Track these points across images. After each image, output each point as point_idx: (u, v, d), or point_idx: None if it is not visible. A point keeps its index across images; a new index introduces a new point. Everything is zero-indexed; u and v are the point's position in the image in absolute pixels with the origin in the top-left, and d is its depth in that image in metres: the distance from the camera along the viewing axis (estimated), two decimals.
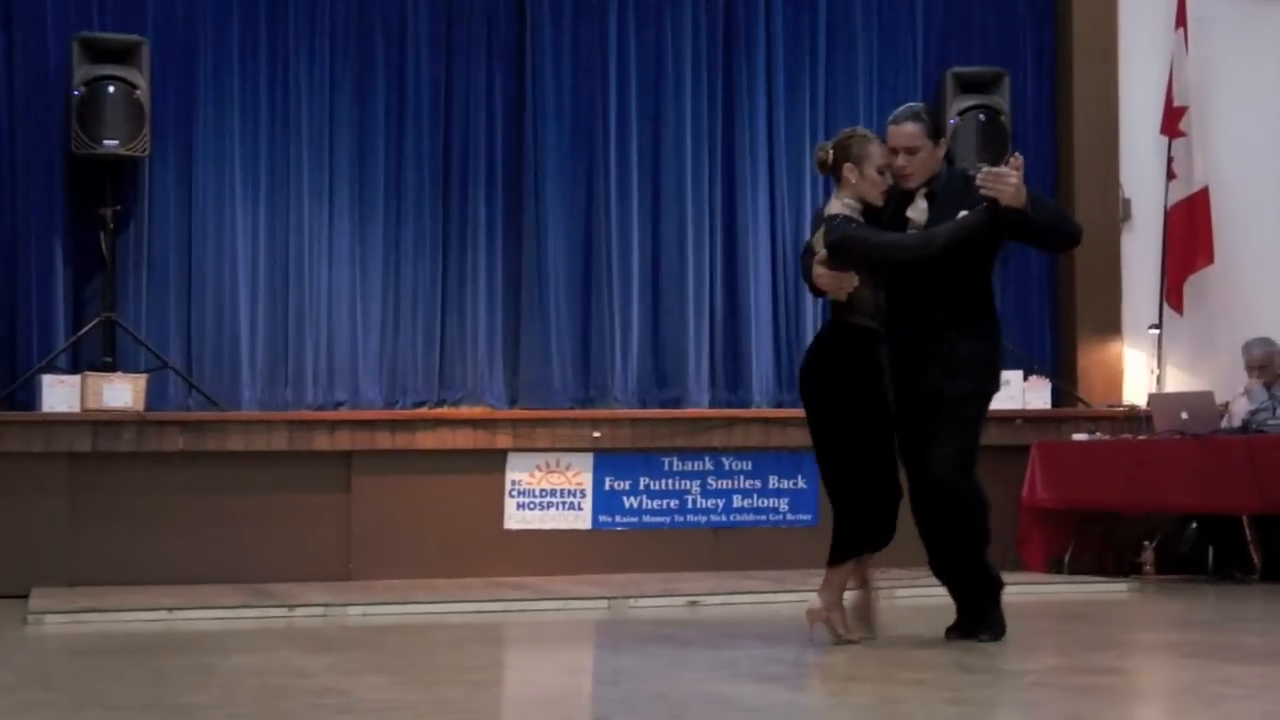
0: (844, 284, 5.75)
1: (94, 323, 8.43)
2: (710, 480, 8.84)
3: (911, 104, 6.15)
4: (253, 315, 8.85)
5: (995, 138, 9.41)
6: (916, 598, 7.75)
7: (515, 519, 8.60)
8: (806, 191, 9.57)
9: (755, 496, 8.87)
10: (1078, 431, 8.97)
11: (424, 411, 8.83)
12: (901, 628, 6.46)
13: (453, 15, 9.19)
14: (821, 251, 5.78)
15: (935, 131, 5.97)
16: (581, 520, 8.66)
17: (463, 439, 8.55)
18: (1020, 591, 7.97)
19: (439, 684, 5.13)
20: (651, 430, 8.80)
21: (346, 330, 8.98)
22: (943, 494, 5.81)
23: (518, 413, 8.88)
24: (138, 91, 8.32)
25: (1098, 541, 8.70)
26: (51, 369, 8.25)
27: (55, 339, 8.49)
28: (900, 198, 5.88)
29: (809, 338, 9.49)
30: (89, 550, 7.89)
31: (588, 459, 8.69)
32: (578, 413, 8.89)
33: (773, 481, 8.88)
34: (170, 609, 7.01)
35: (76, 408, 8.00)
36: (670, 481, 8.82)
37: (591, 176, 9.33)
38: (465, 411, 8.85)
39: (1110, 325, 9.63)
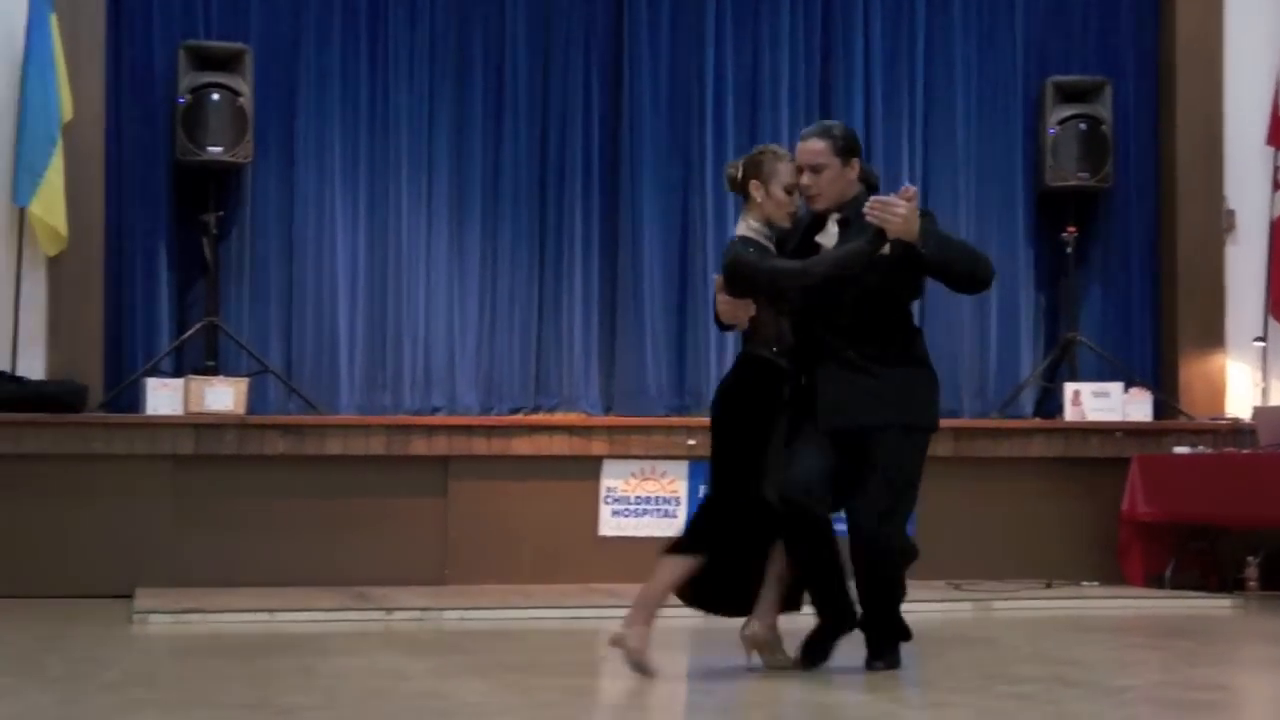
0: (739, 311, 5.49)
1: (197, 327, 8.58)
2: None
3: (826, 121, 5.85)
4: (351, 319, 8.97)
5: (1096, 148, 9.36)
6: (1013, 610, 7.73)
7: (609, 526, 8.65)
8: None
9: None
10: (1179, 444, 8.89)
11: (520, 418, 8.91)
12: (1000, 639, 6.44)
13: (551, 21, 9.26)
14: (718, 276, 5.57)
15: (846, 150, 5.56)
16: (675, 528, 8.67)
17: (558, 445, 8.62)
18: (1121, 606, 7.95)
19: (537, 689, 5.19)
20: None
21: (444, 335, 9.08)
22: (865, 546, 5.54)
23: (613, 419, 8.93)
24: (241, 99, 8.46)
25: (1200, 556, 8.61)
26: (155, 372, 8.40)
27: (159, 343, 8.66)
28: (813, 223, 5.57)
29: None
30: (191, 551, 8.03)
31: (682, 467, 8.72)
32: (673, 420, 8.92)
33: None
34: (271, 611, 7.12)
35: (180, 411, 8.14)
36: None
37: (688, 181, 9.37)
38: (561, 418, 8.92)
39: (1213, 337, 9.54)
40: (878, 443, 5.47)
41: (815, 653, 5.61)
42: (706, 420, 8.77)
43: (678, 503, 8.70)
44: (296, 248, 8.93)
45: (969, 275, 5.54)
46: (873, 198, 5.39)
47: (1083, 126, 9.36)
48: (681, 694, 5.32)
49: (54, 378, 8.19)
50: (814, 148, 5.52)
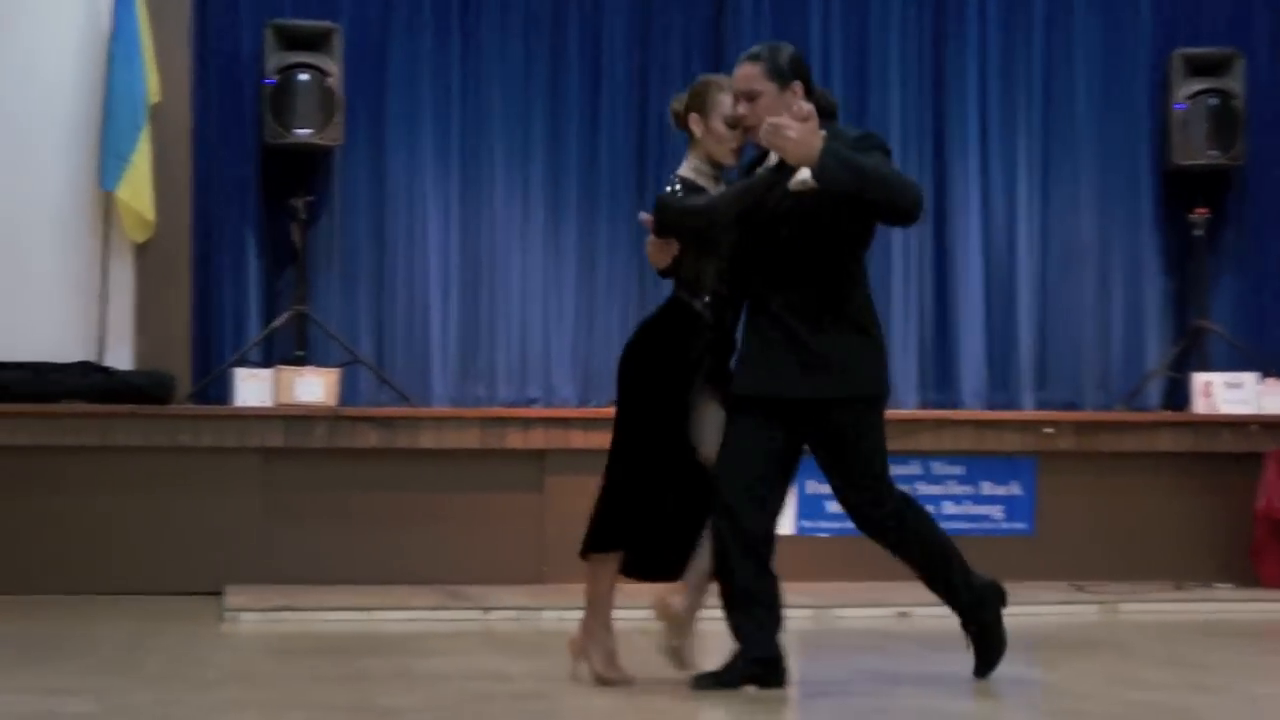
0: (659, 253, 5.28)
1: (286, 315, 8.69)
2: (919, 485, 8.82)
3: (763, 43, 5.43)
4: (445, 308, 9.06)
5: (1227, 123, 9.27)
6: (1141, 613, 7.70)
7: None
8: (1021, 182, 9.51)
9: (967, 503, 8.85)
10: None
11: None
12: (1129, 644, 6.43)
13: (651, 7, 9.30)
14: (645, 215, 5.34)
15: (782, 72, 5.18)
16: (784, 525, 8.65)
17: None
18: (1256, 610, 7.90)
19: (641, 691, 5.24)
20: None
21: (540, 324, 9.15)
22: (892, 530, 5.44)
23: None
24: (330, 79, 8.56)
25: None
26: (244, 363, 8.53)
27: (248, 331, 8.79)
28: (760, 159, 5.24)
29: (1023, 334, 9.48)
30: (281, 547, 8.14)
31: None
32: None
33: (986, 487, 8.85)
34: (365, 609, 7.23)
35: (269, 402, 8.25)
36: None
37: None
38: None
39: None
40: (840, 418, 5.22)
41: (711, 680, 5.27)
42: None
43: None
44: (388, 234, 9.03)
45: (889, 204, 5.06)
46: (768, 120, 5.00)
47: (1213, 101, 9.28)
48: (793, 697, 5.35)
49: (142, 368, 8.33)
50: (745, 72, 5.19)
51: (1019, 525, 8.84)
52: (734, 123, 5.23)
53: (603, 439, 8.45)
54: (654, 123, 9.27)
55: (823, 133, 4.96)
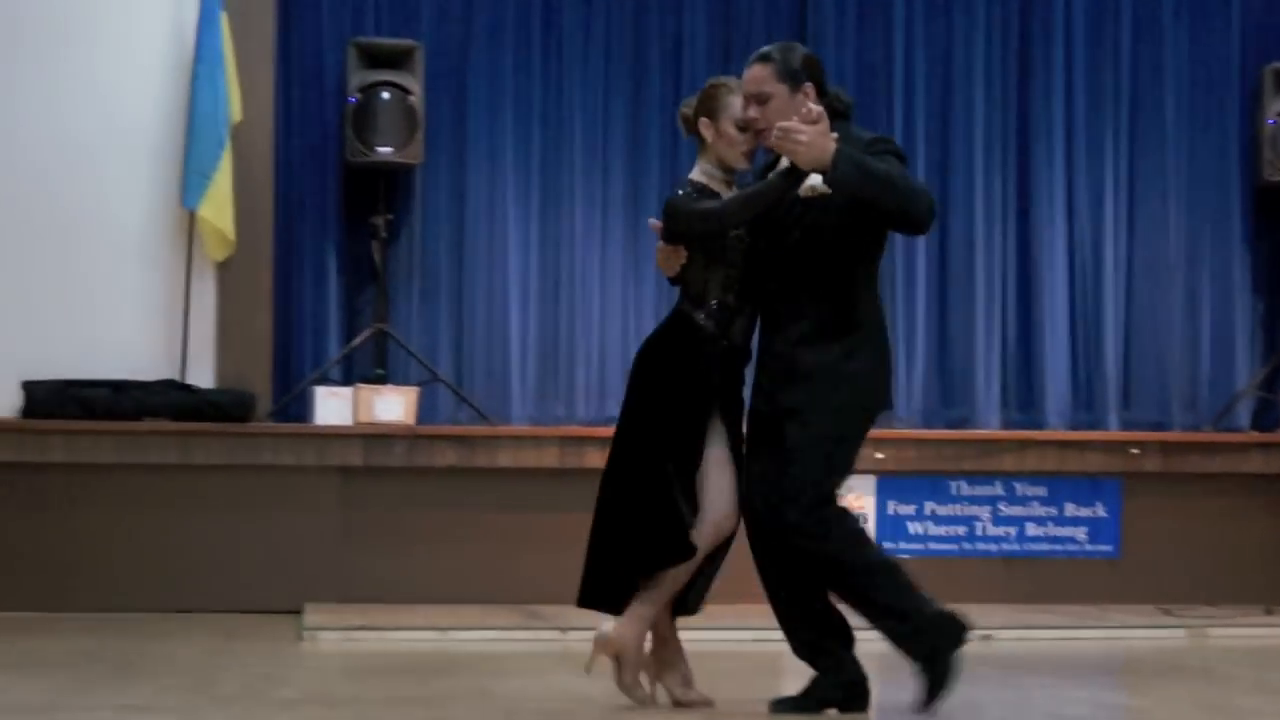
0: (669, 259, 5.13)
1: (366, 334, 8.71)
2: (1001, 506, 8.74)
3: (775, 43, 5.29)
4: (524, 326, 9.05)
5: None
6: (1230, 637, 7.57)
7: None
8: (1108, 200, 9.39)
9: (1050, 524, 8.74)
10: None
11: None
12: (1219, 669, 6.31)
13: (731, 19, 9.27)
14: (654, 221, 5.22)
15: (793, 73, 5.06)
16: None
17: None
18: None
19: (723, 714, 5.19)
20: (938, 452, 8.73)
21: (619, 343, 9.11)
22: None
23: None
24: (411, 97, 8.57)
25: None
26: (324, 380, 8.55)
27: (328, 350, 8.81)
28: (791, 170, 5.01)
29: (1109, 353, 9.35)
30: (360, 566, 8.15)
31: (870, 482, 8.66)
32: None
33: (1069, 509, 8.73)
34: (443, 629, 7.21)
35: (348, 420, 8.26)
36: (958, 507, 8.74)
37: None
38: None
39: None
40: (788, 422, 5.01)
41: (790, 705, 5.16)
42: (894, 432, 8.87)
43: (865, 518, 8.64)
44: (467, 252, 9.03)
45: (900, 213, 4.94)
46: (778, 124, 4.87)
47: None
48: None
49: (223, 386, 8.37)
50: (755, 74, 5.07)
51: (1104, 548, 8.71)
52: (745, 125, 5.11)
53: None
54: None
55: (834, 135, 4.86)
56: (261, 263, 8.61)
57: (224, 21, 8.39)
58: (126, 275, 8.42)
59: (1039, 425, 9.21)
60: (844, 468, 5.09)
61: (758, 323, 5.23)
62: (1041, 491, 8.74)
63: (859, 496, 8.64)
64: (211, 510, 8.08)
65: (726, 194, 5.17)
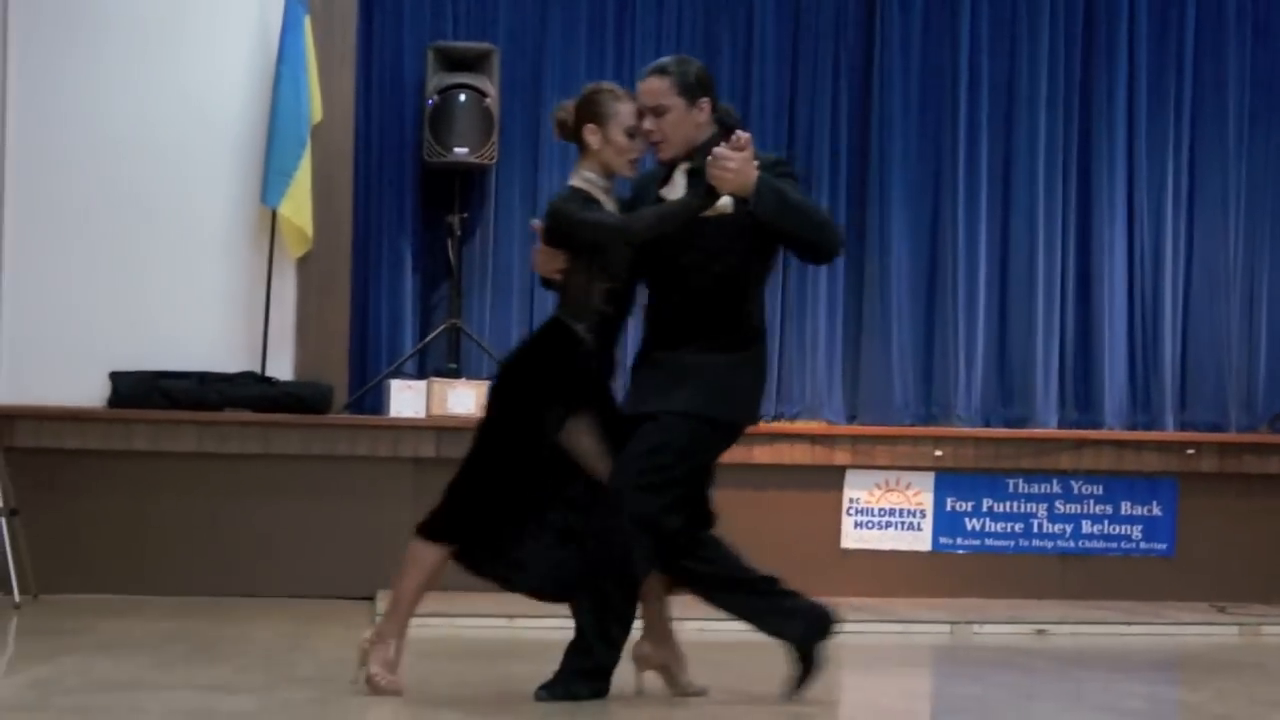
0: (549, 262, 5.04)
1: (440, 329, 8.81)
2: (1058, 504, 8.73)
3: (666, 58, 5.27)
4: None
5: None
6: None
7: (852, 538, 8.65)
8: (1168, 203, 9.36)
9: (1106, 523, 8.73)
10: None
11: (761, 425, 8.93)
12: (1273, 666, 6.30)
13: (800, 18, 9.29)
14: (536, 222, 5.16)
15: (690, 88, 5.05)
16: (921, 541, 8.65)
17: (800, 454, 8.64)
18: None
19: (785, 703, 5.23)
20: (996, 450, 8.74)
21: None
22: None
23: (857, 429, 8.92)
24: (488, 100, 8.66)
25: None
26: (399, 374, 8.65)
27: (403, 344, 8.91)
28: (664, 177, 5.09)
29: (1168, 356, 9.32)
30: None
31: (929, 478, 8.68)
32: (919, 430, 8.89)
33: (1125, 507, 8.72)
34: (511, 616, 7.28)
35: (422, 413, 8.35)
36: (1015, 504, 8.74)
37: (939, 187, 9.32)
38: (803, 426, 8.94)
39: None
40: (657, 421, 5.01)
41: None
42: (953, 430, 8.89)
43: (923, 515, 8.67)
44: None
45: (812, 244, 5.00)
46: (714, 150, 4.88)
47: None
48: (929, 713, 5.31)
49: (301, 378, 8.48)
50: (652, 87, 5.03)
51: (1158, 546, 8.69)
52: (635, 134, 5.04)
53: (744, 453, 8.57)
54: (802, 140, 9.25)
55: (757, 163, 4.89)
56: (340, 259, 8.71)
57: (307, 25, 8.50)
58: (209, 270, 8.54)
59: (1096, 425, 9.19)
60: (686, 479, 5.06)
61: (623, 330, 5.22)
62: (1098, 490, 8.73)
63: (918, 493, 8.67)
64: (289, 499, 8.18)
65: (606, 201, 5.08)
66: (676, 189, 5.05)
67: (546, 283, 5.18)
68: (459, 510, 5.15)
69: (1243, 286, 9.39)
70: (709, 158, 4.87)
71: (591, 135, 5.07)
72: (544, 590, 5.21)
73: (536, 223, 5.18)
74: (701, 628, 6.62)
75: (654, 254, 5.03)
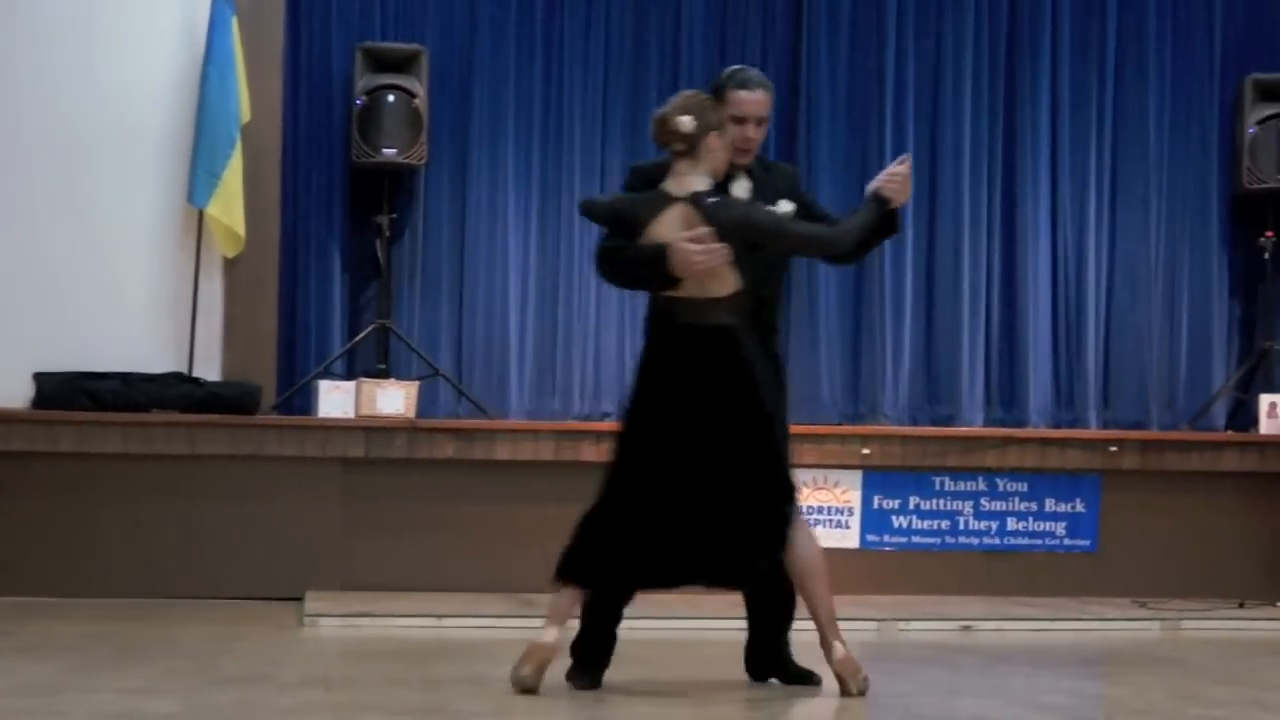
0: (715, 259, 5.15)
1: (369, 329, 8.74)
2: (984, 501, 8.75)
3: (745, 67, 5.72)
4: (522, 324, 9.07)
5: None
6: (1203, 630, 7.59)
7: None
8: (1091, 204, 9.42)
9: (1031, 520, 8.75)
10: None
11: None
12: (1191, 661, 6.34)
13: (728, 23, 9.27)
14: (701, 230, 5.15)
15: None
16: (849, 539, 8.65)
17: None
18: None
19: (711, 701, 5.21)
20: (922, 448, 8.76)
21: (614, 340, 9.13)
22: None
23: None
24: (416, 100, 8.60)
25: None
26: (327, 375, 8.57)
27: (331, 344, 8.83)
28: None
29: (1091, 355, 9.37)
30: (360, 554, 8.16)
31: (856, 476, 8.68)
32: (846, 429, 8.89)
33: (1049, 504, 8.75)
34: (439, 616, 7.23)
35: (351, 413, 8.28)
36: (941, 502, 8.76)
37: (865, 184, 9.29)
38: None
39: None
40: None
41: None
42: (880, 429, 8.90)
43: (851, 513, 8.67)
44: (468, 251, 9.05)
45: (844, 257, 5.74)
46: (892, 171, 5.45)
47: None
48: (858, 710, 5.30)
49: (229, 379, 8.39)
50: (762, 99, 5.47)
51: (1082, 542, 8.73)
52: (742, 144, 5.36)
53: None
54: None
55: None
56: (268, 260, 8.62)
57: (235, 24, 8.40)
58: (136, 270, 8.43)
59: (1021, 423, 9.23)
60: None
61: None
62: (1023, 487, 8.76)
63: (845, 491, 8.67)
64: (217, 500, 8.09)
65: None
66: (743, 188, 5.43)
67: (663, 284, 5.25)
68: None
69: (1164, 286, 9.46)
70: (886, 172, 5.46)
71: (715, 142, 5.24)
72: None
73: (703, 232, 5.16)
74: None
75: (760, 257, 5.34)
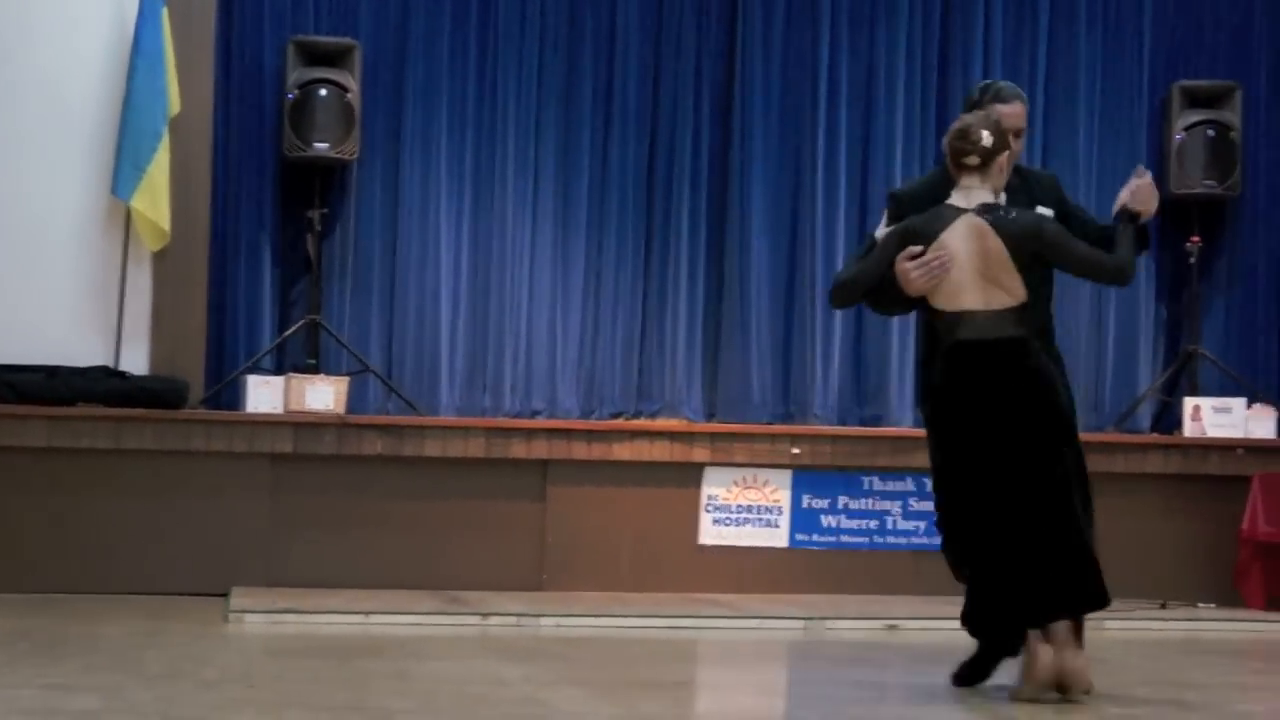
0: (930, 277, 5.25)
1: (299, 325, 8.69)
2: (911, 501, 8.80)
3: (998, 80, 5.80)
4: (453, 321, 9.05)
5: (1224, 155, 9.23)
6: (1126, 630, 7.66)
7: (710, 534, 8.65)
8: None
9: None
10: None
11: (621, 422, 8.94)
12: (1113, 660, 6.39)
13: (663, 24, 9.28)
14: (916, 248, 5.24)
15: None
16: (778, 538, 8.68)
17: (659, 451, 8.62)
18: (1239, 629, 7.87)
19: (637, 699, 5.22)
20: (852, 448, 8.80)
21: (545, 338, 9.13)
22: None
23: (716, 426, 8.94)
24: (349, 95, 8.56)
25: None
26: (256, 369, 8.52)
27: (261, 339, 8.78)
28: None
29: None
30: (288, 551, 8.12)
31: (786, 476, 8.71)
32: (777, 428, 8.92)
33: None
34: (366, 613, 7.20)
35: (280, 409, 8.23)
36: (870, 501, 8.80)
37: (798, 186, 9.37)
38: (662, 424, 8.93)
39: None
40: None
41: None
42: (810, 428, 8.93)
43: (780, 512, 8.69)
44: (400, 247, 9.02)
45: None
46: (1136, 184, 5.50)
47: (1210, 133, 9.23)
48: (782, 708, 5.32)
49: (156, 373, 8.32)
50: (1020, 111, 5.57)
51: None
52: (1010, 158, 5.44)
53: (604, 450, 8.54)
54: (663, 141, 9.26)
55: None
56: (197, 253, 8.56)
57: (165, 16, 8.33)
58: (61, 262, 8.35)
59: None
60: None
61: None
62: None
63: (775, 491, 8.70)
64: (143, 495, 8.03)
65: None
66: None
67: (907, 304, 5.44)
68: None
69: (1091, 289, 9.52)
70: (1129, 186, 5.50)
71: (1004, 161, 5.34)
72: None
73: (917, 249, 5.27)
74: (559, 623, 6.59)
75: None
